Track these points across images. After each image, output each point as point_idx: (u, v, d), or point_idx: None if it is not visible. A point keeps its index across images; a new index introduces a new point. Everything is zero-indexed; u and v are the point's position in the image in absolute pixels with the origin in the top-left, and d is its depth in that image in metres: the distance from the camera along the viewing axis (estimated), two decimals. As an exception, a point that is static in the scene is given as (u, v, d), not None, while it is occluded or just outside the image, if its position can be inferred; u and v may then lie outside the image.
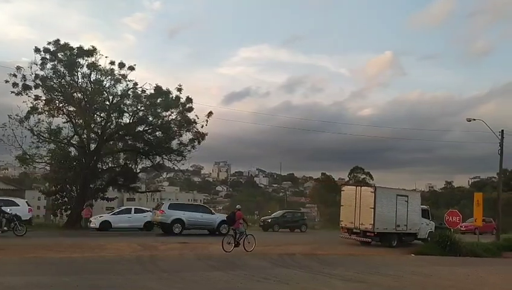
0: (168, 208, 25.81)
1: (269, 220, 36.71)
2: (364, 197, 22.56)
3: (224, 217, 25.96)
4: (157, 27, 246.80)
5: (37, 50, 30.41)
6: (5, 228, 21.60)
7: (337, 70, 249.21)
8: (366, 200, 22.35)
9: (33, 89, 30.77)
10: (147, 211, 29.43)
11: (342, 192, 24.61)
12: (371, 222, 22.04)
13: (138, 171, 35.21)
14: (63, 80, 31.32)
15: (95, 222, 28.16)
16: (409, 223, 23.59)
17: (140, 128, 33.04)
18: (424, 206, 26.18)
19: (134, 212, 28.93)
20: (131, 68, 32.14)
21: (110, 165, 34.57)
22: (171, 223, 25.20)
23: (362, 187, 23.87)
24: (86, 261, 14.78)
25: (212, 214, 28.08)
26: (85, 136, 32.54)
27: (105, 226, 27.55)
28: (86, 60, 31.28)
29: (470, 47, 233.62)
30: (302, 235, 32.93)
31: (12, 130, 29.81)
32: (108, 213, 30.52)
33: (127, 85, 32.25)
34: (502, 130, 28.66)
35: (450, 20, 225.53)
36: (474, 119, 29.07)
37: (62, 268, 13.02)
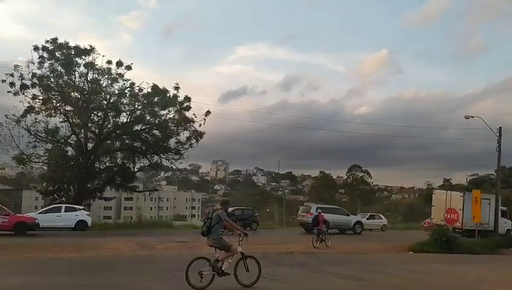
0: (316, 211, 28.66)
1: None
2: (454, 200, 26.99)
3: (357, 218, 32.94)
4: (153, 26, 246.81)
5: (35, 48, 30.32)
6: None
7: (333, 68, 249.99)
8: (456, 202, 26.56)
9: (30, 88, 30.67)
10: (80, 209, 27.89)
11: (433, 195, 29.27)
12: (459, 220, 25.79)
13: (136, 170, 35.12)
14: (60, 79, 31.21)
15: None
16: (491, 222, 27.14)
17: (137, 128, 32.94)
18: (503, 208, 29.63)
19: (65, 211, 26.77)
20: (128, 67, 32.04)
21: (107, 164, 34.42)
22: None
23: (452, 192, 28.66)
24: (84, 261, 14.75)
25: (348, 215, 32.05)
26: (82, 135, 32.43)
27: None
28: (83, 59, 31.18)
29: (465, 45, 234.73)
30: (297, 233, 32.83)
31: (9, 129, 29.73)
32: (36, 212, 28.73)
33: (124, 84, 32.19)
34: (500, 128, 28.67)
35: (445, 18, 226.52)
36: (473, 117, 29.08)
37: (60, 268, 12.98)
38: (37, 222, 24.29)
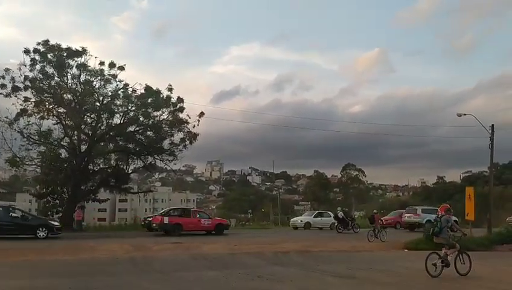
0: (422, 212, 32.33)
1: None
2: None
3: (454, 218, 32.75)
4: (146, 26, 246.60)
5: (27, 51, 30.06)
6: (350, 227, 30.38)
7: (326, 68, 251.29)
8: None
9: (22, 90, 30.44)
10: None
11: None
12: None
13: (130, 171, 34.90)
14: (52, 81, 30.98)
15: None
16: None
17: (131, 129, 32.76)
18: None
19: None
20: (121, 68, 31.84)
21: (101, 166, 34.22)
22: (425, 223, 29.90)
23: None
24: (79, 263, 14.69)
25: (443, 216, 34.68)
26: (75, 137, 32.22)
27: None
28: (76, 61, 30.96)
29: (456, 43, 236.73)
30: (295, 233, 32.83)
31: (2, 132, 29.51)
32: None
33: (117, 85, 31.95)
34: (492, 125, 28.81)
35: (436, 16, 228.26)
36: (465, 114, 29.24)
37: (55, 271, 12.92)
38: (228, 223, 31.09)
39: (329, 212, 39.23)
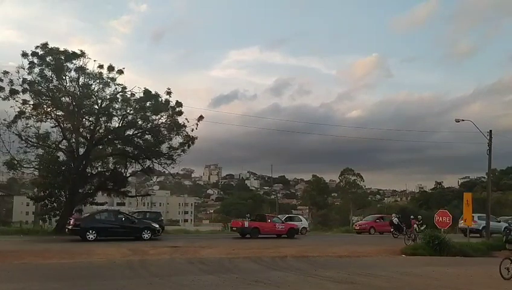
0: (478, 219, 31.76)
1: None
2: None
3: (505, 224, 32.56)
4: (145, 30, 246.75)
5: (24, 54, 30.03)
6: (404, 233, 28.51)
7: (324, 72, 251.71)
8: None
9: (21, 93, 30.38)
10: None
11: None
12: None
13: (128, 175, 34.82)
14: (50, 84, 30.93)
15: None
16: None
17: (129, 132, 32.70)
18: None
19: None
20: (120, 72, 31.80)
21: (99, 169, 34.12)
22: (481, 229, 31.12)
23: None
24: (76, 266, 14.63)
25: (499, 222, 33.83)
26: (73, 140, 32.14)
27: None
28: (74, 64, 30.93)
29: (453, 48, 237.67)
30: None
31: (0, 135, 29.46)
32: None
33: (116, 89, 31.87)
34: (490, 131, 28.90)
35: (433, 22, 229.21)
36: (463, 120, 29.32)
37: (51, 274, 12.87)
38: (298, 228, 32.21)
39: (300, 217, 38.97)
